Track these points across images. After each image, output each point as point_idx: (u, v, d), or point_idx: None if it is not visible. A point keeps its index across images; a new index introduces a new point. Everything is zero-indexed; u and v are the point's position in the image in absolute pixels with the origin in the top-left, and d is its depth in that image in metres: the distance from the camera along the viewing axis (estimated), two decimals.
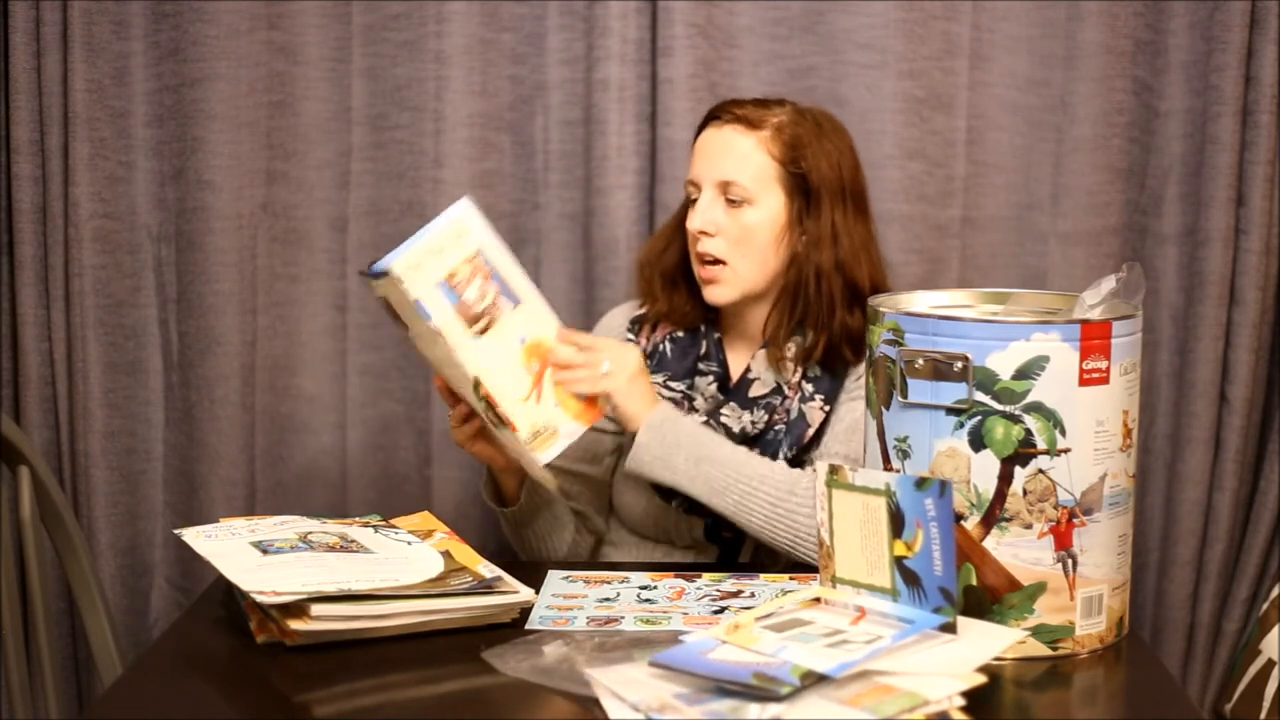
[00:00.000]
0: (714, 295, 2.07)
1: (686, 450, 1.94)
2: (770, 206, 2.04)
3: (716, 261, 2.05)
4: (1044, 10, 2.41)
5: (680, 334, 2.13)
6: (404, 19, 2.42)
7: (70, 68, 2.33)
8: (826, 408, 2.04)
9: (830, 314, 2.03)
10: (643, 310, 2.17)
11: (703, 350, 2.11)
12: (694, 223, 2.04)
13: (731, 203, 2.04)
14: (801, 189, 2.05)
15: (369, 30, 2.42)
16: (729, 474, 1.93)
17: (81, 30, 2.32)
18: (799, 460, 2.02)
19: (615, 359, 1.94)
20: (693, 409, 2.07)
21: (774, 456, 2.01)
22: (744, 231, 2.03)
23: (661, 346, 2.12)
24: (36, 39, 2.32)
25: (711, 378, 2.09)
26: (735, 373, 2.10)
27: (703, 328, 2.13)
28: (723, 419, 2.05)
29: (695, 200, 2.06)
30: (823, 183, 2.04)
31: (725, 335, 2.13)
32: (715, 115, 2.08)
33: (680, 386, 2.09)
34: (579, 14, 2.41)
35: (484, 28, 2.41)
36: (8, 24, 2.32)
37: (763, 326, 2.08)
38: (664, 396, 2.07)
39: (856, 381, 2.04)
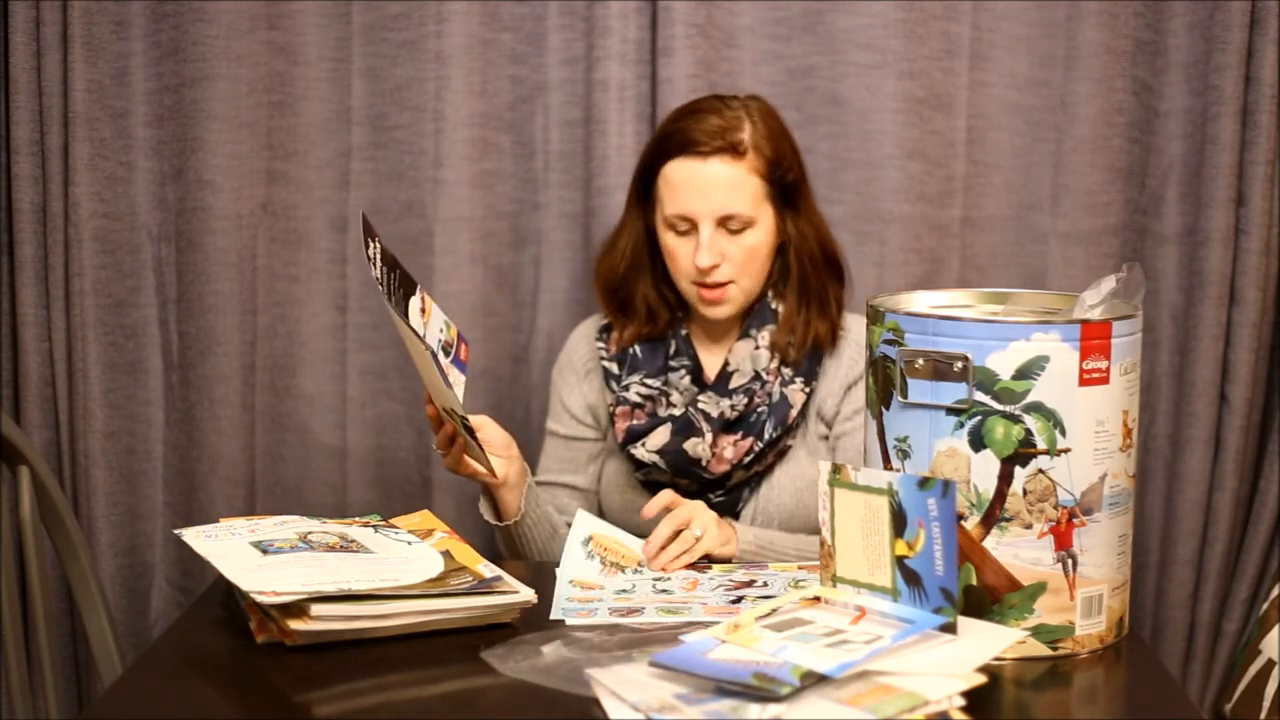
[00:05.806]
0: (719, 313, 2.10)
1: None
2: (766, 221, 2.08)
3: (723, 284, 2.07)
4: (1044, 10, 2.41)
5: None
6: (404, 19, 2.41)
7: (70, 68, 2.32)
8: (807, 389, 2.08)
9: (827, 293, 2.11)
10: (608, 321, 2.19)
11: (672, 349, 2.14)
12: (703, 260, 2.04)
13: (732, 231, 2.05)
14: (783, 192, 2.09)
15: (369, 30, 2.42)
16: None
17: (81, 30, 2.32)
18: (780, 440, 2.06)
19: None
20: (670, 404, 2.10)
21: (759, 437, 2.05)
22: (749, 253, 2.06)
23: (632, 350, 2.15)
24: (36, 39, 2.32)
25: (684, 372, 2.12)
26: (705, 364, 2.13)
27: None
28: (701, 406, 2.08)
29: (685, 232, 2.06)
30: (798, 179, 2.10)
31: (691, 330, 2.16)
32: (688, 146, 2.04)
33: (656, 384, 2.11)
34: (579, 14, 2.41)
35: (484, 28, 2.41)
36: (8, 24, 2.32)
37: (740, 320, 2.12)
38: (640, 395, 2.10)
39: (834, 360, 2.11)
